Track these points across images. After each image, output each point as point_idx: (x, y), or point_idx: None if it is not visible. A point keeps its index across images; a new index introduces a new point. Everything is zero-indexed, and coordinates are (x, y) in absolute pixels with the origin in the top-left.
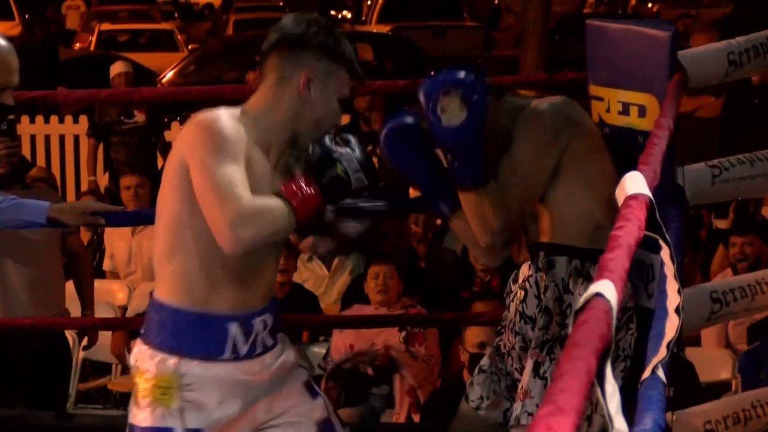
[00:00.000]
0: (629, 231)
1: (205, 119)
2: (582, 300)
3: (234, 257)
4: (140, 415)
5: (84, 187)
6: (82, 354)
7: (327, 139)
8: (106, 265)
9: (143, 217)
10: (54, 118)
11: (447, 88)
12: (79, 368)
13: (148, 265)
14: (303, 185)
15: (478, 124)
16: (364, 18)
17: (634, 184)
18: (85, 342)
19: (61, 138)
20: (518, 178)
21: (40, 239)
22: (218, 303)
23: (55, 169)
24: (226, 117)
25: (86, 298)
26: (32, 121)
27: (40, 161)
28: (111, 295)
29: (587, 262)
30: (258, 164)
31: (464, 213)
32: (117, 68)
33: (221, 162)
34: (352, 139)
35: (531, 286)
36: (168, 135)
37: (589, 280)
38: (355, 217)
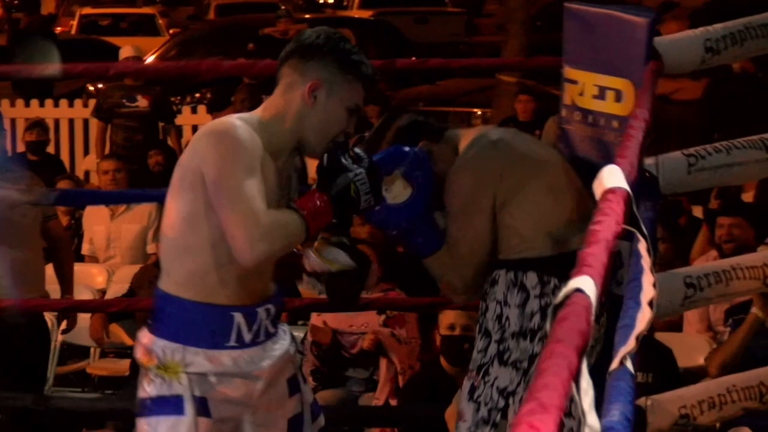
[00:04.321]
0: (607, 225)
1: (220, 129)
2: (561, 295)
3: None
4: (149, 387)
5: (79, 170)
6: (61, 337)
7: (341, 154)
8: (85, 249)
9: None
10: (49, 102)
11: (389, 169)
12: (57, 351)
13: (126, 250)
14: (317, 201)
15: (423, 199)
16: (346, 3)
17: (612, 177)
18: (64, 325)
19: (56, 122)
20: (466, 238)
21: (21, 223)
22: (225, 296)
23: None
24: (240, 125)
25: (66, 282)
26: (27, 105)
27: None
28: (90, 278)
29: (519, 272)
30: (267, 169)
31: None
32: (126, 52)
33: (239, 174)
34: (365, 157)
35: (480, 305)
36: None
37: (523, 290)
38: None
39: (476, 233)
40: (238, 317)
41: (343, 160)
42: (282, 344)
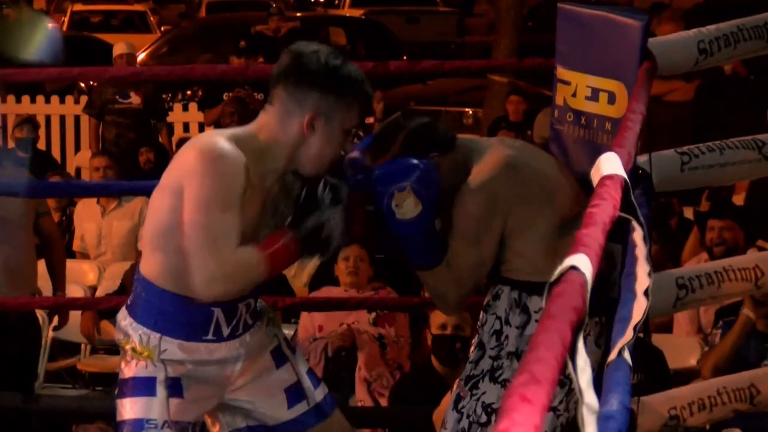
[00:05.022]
0: (604, 209)
1: (209, 149)
2: (557, 273)
3: None
4: (125, 368)
5: (70, 166)
6: (51, 334)
7: (320, 190)
8: (76, 245)
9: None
10: (40, 98)
11: (400, 184)
12: (48, 348)
13: (117, 246)
14: (285, 244)
15: (432, 215)
16: (337, 2)
17: (610, 164)
18: (55, 322)
19: (48, 118)
20: (470, 259)
21: (13, 220)
22: None
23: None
24: (230, 150)
25: (58, 278)
26: (18, 101)
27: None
28: (81, 275)
29: (524, 293)
30: (255, 190)
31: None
32: (119, 49)
33: (214, 209)
34: (342, 191)
35: (481, 316)
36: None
37: (525, 312)
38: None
39: (481, 255)
40: (218, 312)
41: (320, 198)
42: (259, 332)
